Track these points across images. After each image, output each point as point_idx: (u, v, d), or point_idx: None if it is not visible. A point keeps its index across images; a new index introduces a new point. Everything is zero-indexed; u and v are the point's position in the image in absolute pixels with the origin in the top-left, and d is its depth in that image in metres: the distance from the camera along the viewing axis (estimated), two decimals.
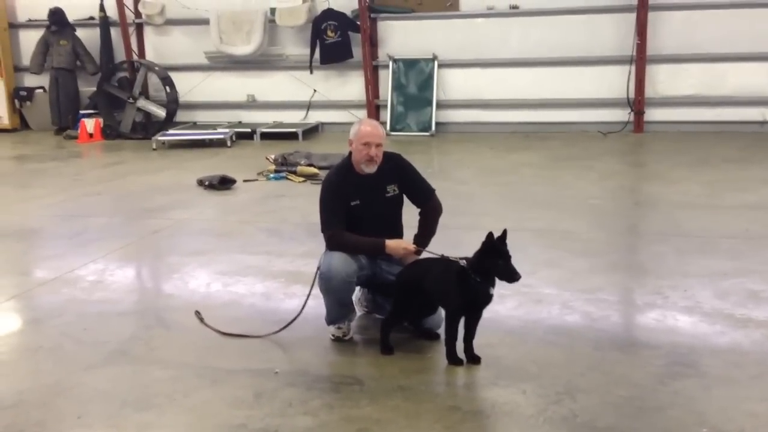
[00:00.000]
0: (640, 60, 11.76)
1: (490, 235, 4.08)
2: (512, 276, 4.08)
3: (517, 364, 4.22)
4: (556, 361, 4.24)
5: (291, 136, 12.53)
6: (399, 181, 4.67)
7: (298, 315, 4.68)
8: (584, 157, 10.31)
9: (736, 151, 10.32)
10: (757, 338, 4.46)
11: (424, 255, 4.54)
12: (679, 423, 3.56)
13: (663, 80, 11.99)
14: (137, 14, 13.87)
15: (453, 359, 4.20)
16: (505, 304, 4.90)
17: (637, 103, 11.94)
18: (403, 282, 4.40)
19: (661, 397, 3.80)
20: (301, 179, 9.28)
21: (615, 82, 11.99)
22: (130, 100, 13.27)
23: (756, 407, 3.68)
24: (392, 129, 12.63)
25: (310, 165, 9.61)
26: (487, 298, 4.20)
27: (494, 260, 4.08)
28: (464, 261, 4.19)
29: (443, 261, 4.32)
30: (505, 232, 4.10)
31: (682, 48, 11.79)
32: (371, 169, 4.56)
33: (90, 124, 13.11)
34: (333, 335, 4.60)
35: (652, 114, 12.06)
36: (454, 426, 3.60)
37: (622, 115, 12.06)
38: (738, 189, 8.16)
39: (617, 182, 8.99)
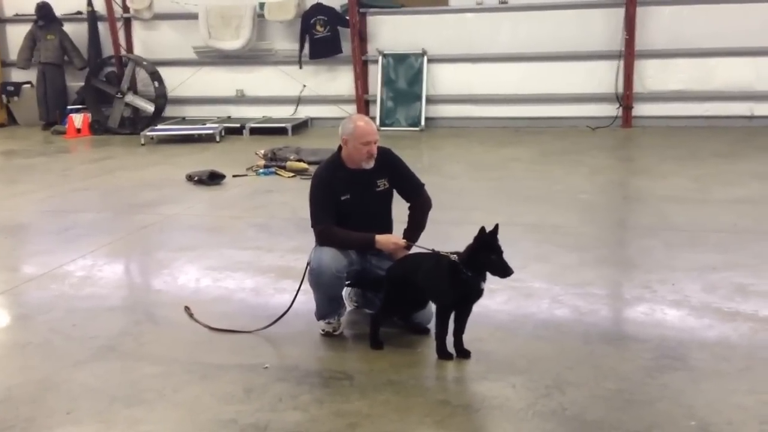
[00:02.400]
0: (629, 55, 11.80)
1: (482, 230, 4.08)
2: (505, 271, 4.09)
3: (506, 358, 4.23)
4: (545, 354, 4.26)
5: (280, 131, 12.51)
6: (389, 175, 4.67)
7: (288, 310, 4.67)
8: (574, 151, 10.34)
9: (725, 145, 10.37)
10: (744, 331, 4.48)
11: (415, 249, 4.54)
12: (668, 416, 3.58)
13: (651, 75, 12.02)
14: (125, 9, 13.81)
15: (443, 354, 4.21)
16: (494, 298, 4.91)
17: (626, 98, 11.97)
18: (393, 277, 4.40)
19: (650, 390, 3.82)
20: (291, 174, 9.26)
21: (604, 77, 12.03)
22: (119, 95, 13.22)
23: (744, 400, 3.70)
24: (382, 124, 12.61)
25: (300, 160, 9.60)
26: (478, 293, 4.21)
27: (487, 255, 4.08)
28: (455, 255, 4.19)
29: (434, 256, 4.32)
30: (496, 227, 4.11)
31: (670, 43, 11.82)
32: (371, 164, 4.55)
33: (78, 120, 13.05)
34: (323, 330, 4.60)
35: (641, 109, 12.10)
36: (444, 420, 3.61)
37: (611, 110, 12.09)
38: (726, 183, 8.20)
39: (606, 177, 9.02)
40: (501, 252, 4.09)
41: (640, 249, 6.21)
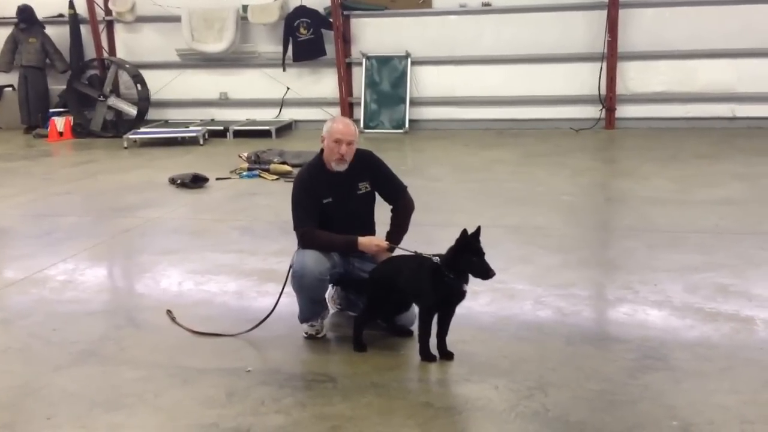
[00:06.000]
0: (611, 57, 11.86)
1: (464, 232, 4.08)
2: (486, 273, 4.08)
3: (489, 359, 4.23)
4: (528, 356, 4.26)
5: (264, 134, 12.48)
6: (371, 178, 4.66)
7: (270, 313, 4.65)
8: (557, 153, 10.38)
9: (706, 146, 10.44)
10: (726, 332, 4.51)
11: (397, 252, 4.54)
12: (650, 416, 3.59)
13: (634, 77, 12.10)
14: (107, 11, 13.73)
15: (426, 356, 4.20)
16: (478, 300, 4.92)
17: (609, 100, 12.04)
18: (376, 279, 4.39)
19: (632, 390, 3.83)
20: (274, 177, 9.25)
21: (587, 79, 12.08)
22: (101, 98, 13.14)
23: (725, 400, 3.72)
24: (366, 126, 12.63)
25: (283, 163, 9.58)
26: (461, 295, 4.21)
27: (468, 257, 4.08)
28: (437, 258, 4.19)
29: (416, 258, 4.31)
30: (478, 229, 4.11)
31: (652, 45, 11.91)
32: (341, 167, 4.55)
33: (60, 123, 12.97)
34: (306, 333, 4.59)
35: (623, 110, 12.16)
36: (427, 422, 3.60)
37: (594, 111, 12.15)
38: (707, 184, 8.26)
39: (589, 178, 9.05)
40: (482, 254, 4.09)
41: (622, 250, 6.24)
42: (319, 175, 4.58)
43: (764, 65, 11.65)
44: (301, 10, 12.75)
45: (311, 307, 4.54)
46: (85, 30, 13.78)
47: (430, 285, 4.16)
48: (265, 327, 4.63)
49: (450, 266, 4.12)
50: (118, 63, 13.39)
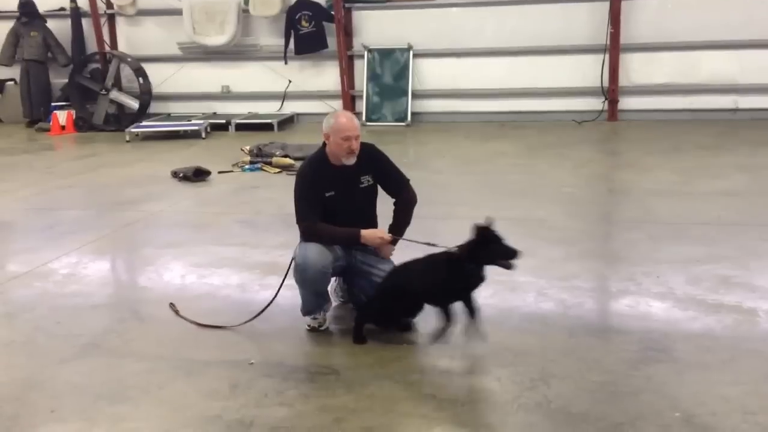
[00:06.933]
0: (614, 49, 11.84)
1: (480, 226, 4.08)
2: (513, 253, 4.09)
3: (492, 351, 4.23)
4: (530, 348, 4.27)
5: (266, 127, 12.49)
6: (373, 171, 4.66)
7: (269, 304, 4.66)
8: (559, 145, 10.36)
9: (709, 138, 10.42)
10: (728, 323, 4.50)
11: (403, 243, 4.53)
12: (652, 408, 3.59)
13: (637, 69, 12.07)
14: (109, 5, 13.74)
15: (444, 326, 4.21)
16: (480, 292, 4.85)
17: (611, 92, 12.02)
18: (388, 288, 4.36)
19: (634, 382, 3.83)
20: (277, 170, 9.25)
21: (589, 70, 12.06)
22: (103, 92, 13.15)
23: (727, 391, 3.72)
24: (368, 119, 12.62)
25: (286, 156, 9.58)
26: (479, 281, 4.21)
27: (492, 248, 4.09)
28: (456, 249, 4.18)
29: (425, 259, 4.31)
30: (490, 222, 4.11)
31: (655, 36, 11.88)
32: (352, 160, 4.54)
33: (62, 117, 12.99)
34: (308, 326, 4.59)
35: (626, 102, 12.15)
36: (430, 414, 3.61)
37: (597, 103, 12.14)
38: (710, 176, 8.24)
39: (592, 170, 9.04)
40: (502, 240, 4.11)
41: (624, 242, 6.24)
42: (321, 168, 4.57)
43: (767, 57, 11.61)
44: (303, 3, 12.73)
45: (314, 300, 4.55)
46: (86, 23, 13.75)
47: (447, 279, 4.16)
48: (268, 320, 4.64)
49: (471, 259, 4.12)
50: (119, 56, 13.38)
